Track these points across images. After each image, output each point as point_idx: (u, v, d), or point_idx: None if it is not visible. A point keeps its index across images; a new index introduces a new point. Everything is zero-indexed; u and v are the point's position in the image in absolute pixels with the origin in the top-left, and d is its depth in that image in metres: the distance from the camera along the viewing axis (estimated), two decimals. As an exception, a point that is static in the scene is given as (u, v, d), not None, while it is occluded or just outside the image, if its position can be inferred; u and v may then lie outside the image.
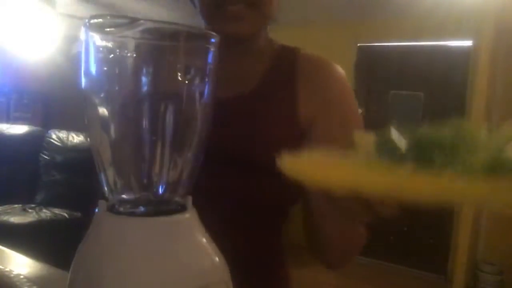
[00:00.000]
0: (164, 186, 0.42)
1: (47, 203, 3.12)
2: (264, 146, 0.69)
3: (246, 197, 0.72)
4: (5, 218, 2.77)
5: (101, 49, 0.39)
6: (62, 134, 3.44)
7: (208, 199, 0.64)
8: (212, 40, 0.42)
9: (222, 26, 0.68)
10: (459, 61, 3.45)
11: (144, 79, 0.40)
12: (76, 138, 3.40)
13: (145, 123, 0.40)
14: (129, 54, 0.38)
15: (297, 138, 0.72)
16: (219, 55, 0.73)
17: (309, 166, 0.39)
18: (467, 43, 3.38)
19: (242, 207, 0.72)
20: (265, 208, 0.75)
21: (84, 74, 0.40)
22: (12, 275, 0.72)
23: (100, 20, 0.38)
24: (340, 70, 0.76)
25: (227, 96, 0.69)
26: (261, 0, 0.67)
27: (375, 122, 3.17)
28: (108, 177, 0.42)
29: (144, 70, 0.40)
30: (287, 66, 0.75)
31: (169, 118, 0.41)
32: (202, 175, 0.66)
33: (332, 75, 0.76)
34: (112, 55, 0.38)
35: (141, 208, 0.43)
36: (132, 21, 0.37)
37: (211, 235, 0.42)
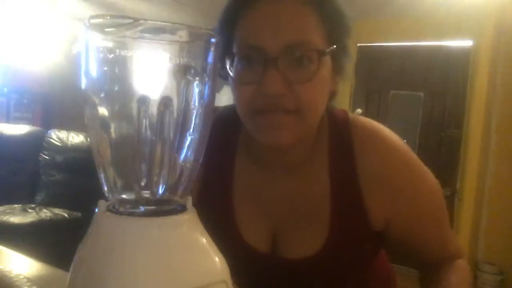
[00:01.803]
0: (164, 186, 0.42)
1: (47, 203, 3.12)
2: (344, 269, 0.69)
3: None
4: (5, 218, 2.77)
5: (101, 49, 0.39)
6: (62, 134, 3.44)
7: None
8: (212, 40, 0.42)
9: (261, 135, 0.62)
10: (459, 61, 3.45)
11: (144, 79, 0.40)
12: (76, 138, 3.40)
13: (145, 123, 0.40)
14: (129, 54, 0.38)
15: (375, 239, 0.71)
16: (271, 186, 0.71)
17: None
18: (467, 43, 3.38)
19: None
20: None
21: (84, 74, 0.40)
22: (12, 275, 0.72)
23: (100, 20, 0.38)
24: (401, 148, 0.69)
25: (301, 256, 0.67)
26: (303, 109, 0.60)
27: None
28: (108, 177, 0.42)
29: (144, 70, 0.40)
30: (349, 176, 0.67)
31: (169, 118, 0.41)
32: None
33: (392, 163, 0.68)
34: (112, 55, 0.38)
35: (141, 208, 0.43)
36: (132, 21, 0.37)
37: None
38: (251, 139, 0.71)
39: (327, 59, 0.61)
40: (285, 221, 0.70)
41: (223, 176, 0.72)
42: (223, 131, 0.74)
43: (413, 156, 0.71)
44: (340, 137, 0.70)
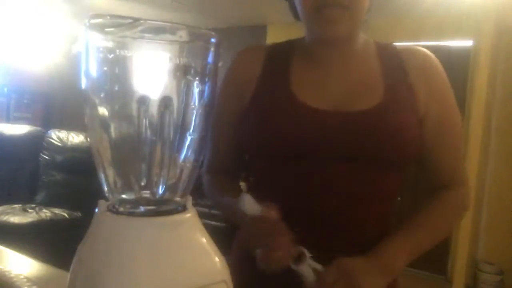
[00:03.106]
0: (164, 186, 0.42)
1: (47, 203, 3.12)
2: (394, 145, 0.75)
3: (373, 191, 0.78)
4: (5, 218, 2.77)
5: (101, 49, 0.39)
6: (62, 134, 3.44)
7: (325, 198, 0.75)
8: (212, 40, 0.42)
9: (321, 29, 0.76)
10: (459, 61, 3.45)
11: (144, 79, 0.40)
12: (76, 138, 3.40)
13: (145, 123, 0.40)
14: (129, 54, 0.38)
15: (417, 126, 0.78)
16: (330, 66, 0.81)
17: None
18: (467, 43, 3.38)
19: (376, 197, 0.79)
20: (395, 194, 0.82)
21: (84, 74, 0.40)
22: (12, 275, 0.72)
23: (100, 20, 0.38)
24: (435, 57, 0.83)
25: (359, 109, 0.75)
26: (354, 4, 0.74)
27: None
28: (108, 177, 0.42)
29: (144, 70, 0.40)
30: (397, 63, 0.80)
31: (169, 118, 0.41)
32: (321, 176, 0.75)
33: (434, 64, 0.82)
34: (112, 55, 0.38)
35: (141, 208, 0.43)
36: (132, 21, 0.37)
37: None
38: (309, 42, 0.83)
39: None
40: (342, 98, 0.78)
41: (281, 69, 0.83)
42: (283, 44, 0.87)
43: None
44: (386, 45, 0.84)
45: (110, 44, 0.38)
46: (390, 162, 0.77)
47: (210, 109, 0.43)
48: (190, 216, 0.42)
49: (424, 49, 0.83)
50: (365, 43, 0.83)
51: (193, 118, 0.42)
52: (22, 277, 0.72)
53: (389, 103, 0.77)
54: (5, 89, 4.23)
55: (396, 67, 0.80)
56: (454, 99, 0.83)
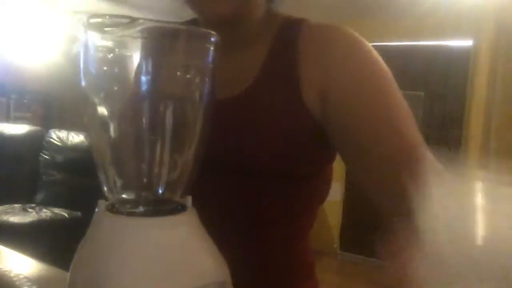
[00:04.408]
0: (164, 186, 0.42)
1: (47, 203, 3.12)
2: (272, 150, 0.61)
3: (261, 207, 0.64)
4: (5, 218, 2.77)
5: (100, 48, 0.39)
6: (62, 134, 3.44)
7: (216, 213, 0.53)
8: (212, 39, 0.42)
9: (200, 7, 0.62)
10: (459, 61, 3.45)
11: (143, 79, 0.40)
12: (76, 138, 3.40)
13: (145, 123, 0.40)
14: (128, 54, 0.38)
15: (309, 131, 0.61)
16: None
17: None
18: (467, 43, 3.38)
19: (257, 218, 0.65)
20: (284, 216, 0.66)
21: (83, 73, 0.40)
22: (12, 275, 0.72)
23: (100, 19, 0.38)
24: (354, 33, 0.63)
25: (224, 97, 0.62)
26: None
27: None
28: (108, 177, 0.42)
29: (144, 70, 0.40)
30: (288, 45, 0.64)
31: (169, 118, 0.40)
32: (207, 188, 0.55)
33: (339, 37, 0.62)
34: (111, 54, 0.38)
35: (141, 208, 0.43)
36: (132, 21, 0.37)
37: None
38: None
39: None
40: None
41: None
42: None
43: (373, 54, 0.62)
44: (293, 24, 0.66)
45: (109, 44, 0.38)
46: (256, 165, 0.61)
47: (210, 109, 0.43)
48: (190, 216, 0.42)
49: (337, 27, 0.64)
50: (266, 24, 0.67)
51: (193, 117, 0.42)
52: (22, 277, 0.72)
53: (259, 89, 0.62)
54: (5, 89, 4.23)
55: (286, 47, 0.64)
56: (379, 83, 0.60)
